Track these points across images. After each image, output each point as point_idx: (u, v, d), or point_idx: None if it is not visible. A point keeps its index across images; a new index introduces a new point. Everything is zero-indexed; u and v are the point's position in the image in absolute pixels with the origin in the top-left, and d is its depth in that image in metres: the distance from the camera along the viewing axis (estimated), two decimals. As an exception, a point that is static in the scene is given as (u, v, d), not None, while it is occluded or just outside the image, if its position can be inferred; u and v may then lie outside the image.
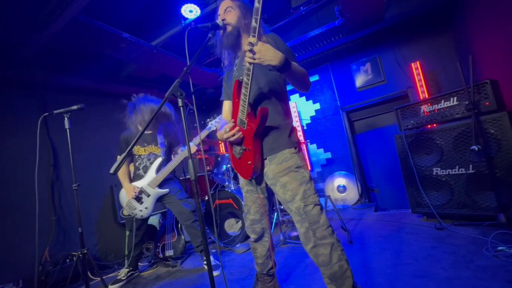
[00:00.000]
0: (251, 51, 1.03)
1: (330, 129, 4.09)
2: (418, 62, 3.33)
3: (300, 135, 4.17)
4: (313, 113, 4.24)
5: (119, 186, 3.13)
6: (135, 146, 2.39)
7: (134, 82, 3.64)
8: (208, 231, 2.94)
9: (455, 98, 2.18)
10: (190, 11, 2.59)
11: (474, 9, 2.53)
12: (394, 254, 1.91)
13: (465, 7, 2.70)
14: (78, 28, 2.24)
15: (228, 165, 3.02)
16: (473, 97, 2.01)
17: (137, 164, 2.42)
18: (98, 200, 3.16)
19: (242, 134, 1.26)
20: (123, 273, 2.42)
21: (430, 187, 2.33)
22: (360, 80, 3.80)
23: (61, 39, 2.33)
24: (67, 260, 2.55)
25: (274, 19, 3.11)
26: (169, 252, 2.65)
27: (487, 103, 1.99)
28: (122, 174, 2.36)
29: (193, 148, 2.42)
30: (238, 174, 1.42)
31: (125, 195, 2.36)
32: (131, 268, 2.46)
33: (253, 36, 1.05)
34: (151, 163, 2.38)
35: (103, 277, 1.95)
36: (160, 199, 2.39)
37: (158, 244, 2.72)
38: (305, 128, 4.30)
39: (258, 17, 1.03)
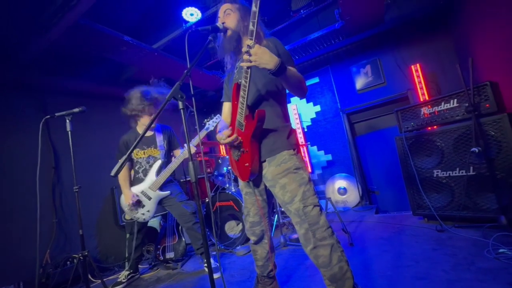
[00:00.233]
0: (247, 53, 1.05)
1: (330, 131, 4.09)
2: (418, 64, 3.34)
3: (300, 137, 4.17)
4: (314, 115, 4.24)
5: (119, 188, 3.14)
6: (134, 151, 2.38)
7: (135, 85, 3.64)
8: (208, 233, 2.94)
9: (455, 100, 2.19)
10: (191, 15, 2.61)
11: (473, 11, 2.54)
12: (395, 256, 1.90)
13: (465, 10, 2.71)
14: (79, 31, 2.26)
15: (229, 167, 3.02)
16: (473, 99, 2.01)
17: (136, 168, 2.42)
18: (98, 202, 3.17)
19: (240, 138, 1.27)
20: (123, 275, 2.41)
21: (430, 189, 2.33)
22: (360, 82, 3.80)
23: (62, 42, 2.34)
24: (68, 262, 2.55)
25: (274, 22, 3.13)
26: (170, 255, 2.64)
27: (487, 105, 2.00)
28: (122, 180, 2.36)
29: (192, 149, 2.43)
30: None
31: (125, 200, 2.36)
32: (131, 271, 2.46)
33: (251, 39, 1.06)
34: (151, 166, 2.38)
35: (104, 280, 1.95)
36: (160, 202, 2.39)
37: (159, 246, 2.72)
38: (305, 130, 4.30)
39: (256, 20, 1.04)
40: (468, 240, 1.92)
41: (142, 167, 2.40)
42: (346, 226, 2.49)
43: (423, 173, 2.35)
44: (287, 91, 1.38)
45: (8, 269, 2.35)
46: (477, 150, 1.96)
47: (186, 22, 2.66)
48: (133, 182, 2.42)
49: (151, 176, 2.34)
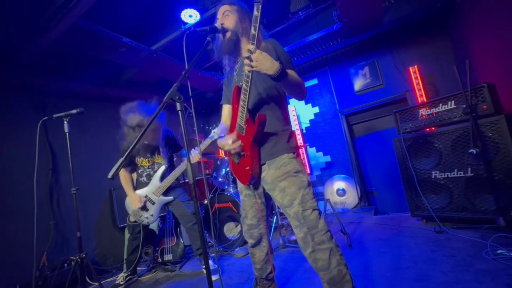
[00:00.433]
0: (249, 58, 1.04)
1: (329, 132, 4.10)
2: (416, 66, 3.36)
3: (299, 138, 4.18)
4: (312, 117, 4.25)
5: (118, 190, 3.13)
6: (138, 159, 2.41)
7: (134, 86, 3.65)
8: (207, 235, 2.93)
9: (453, 101, 2.20)
10: (190, 16, 2.62)
11: (471, 13, 2.56)
12: (394, 257, 1.90)
13: (462, 12, 2.73)
14: (79, 33, 2.26)
15: (228, 169, 3.02)
16: (471, 100, 2.02)
17: (139, 171, 2.42)
18: (97, 204, 3.15)
19: (241, 143, 1.26)
20: (121, 277, 2.40)
21: (429, 191, 2.33)
22: (358, 83, 3.82)
23: (62, 43, 2.34)
24: (65, 264, 2.53)
25: (273, 24, 3.14)
26: (168, 256, 2.63)
27: (484, 107, 2.00)
28: (125, 183, 2.36)
29: (196, 157, 2.38)
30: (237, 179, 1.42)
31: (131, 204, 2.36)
32: (129, 273, 2.45)
33: (252, 44, 1.06)
34: (155, 172, 2.38)
35: (102, 282, 1.93)
36: (164, 204, 2.39)
37: (157, 248, 2.70)
38: (304, 131, 4.31)
39: (257, 25, 1.04)
40: (466, 241, 1.92)
41: (146, 171, 2.40)
42: (345, 228, 2.49)
43: (422, 174, 2.36)
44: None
45: (4, 271, 2.33)
46: (475, 152, 1.96)
47: (185, 23, 2.67)
48: (136, 185, 2.42)
49: (155, 182, 2.34)
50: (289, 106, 4.22)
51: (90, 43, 2.46)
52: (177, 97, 1.05)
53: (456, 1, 2.76)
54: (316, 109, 4.22)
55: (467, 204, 2.10)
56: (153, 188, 2.33)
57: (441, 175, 2.24)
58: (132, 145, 1.01)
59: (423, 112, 2.38)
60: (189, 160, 1.06)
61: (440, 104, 2.27)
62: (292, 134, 1.36)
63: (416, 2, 2.90)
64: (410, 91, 3.41)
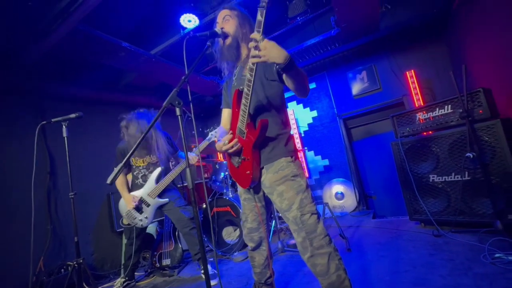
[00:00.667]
0: (256, 47, 1.01)
1: (327, 136, 4.12)
2: (412, 71, 3.40)
3: (297, 142, 4.19)
4: (311, 121, 4.27)
5: (116, 194, 3.12)
6: (132, 158, 2.40)
7: (133, 91, 3.66)
8: (205, 239, 2.91)
9: (450, 106, 2.22)
10: (189, 21, 2.64)
11: (466, 19, 2.60)
12: (393, 261, 1.90)
13: (458, 18, 2.77)
14: (78, 37, 2.27)
15: (226, 173, 3.02)
16: (467, 105, 2.05)
17: (135, 173, 2.41)
18: (94, 209, 3.13)
19: (241, 145, 1.27)
20: (119, 283, 2.38)
21: (427, 194, 2.34)
22: (356, 88, 3.85)
23: (61, 47, 2.35)
24: (62, 270, 2.50)
25: (271, 29, 3.17)
26: (166, 261, 2.61)
27: (480, 111, 2.03)
28: (120, 185, 2.35)
29: (194, 159, 2.41)
30: (236, 183, 1.42)
31: (125, 205, 2.34)
32: (127, 278, 2.43)
33: (258, 32, 1.02)
34: (150, 173, 2.38)
35: (99, 287, 1.91)
36: (159, 207, 2.38)
37: (155, 253, 2.69)
38: (302, 135, 4.32)
39: (261, 29, 1.04)
40: (464, 245, 1.92)
41: (141, 173, 2.39)
42: (343, 232, 2.49)
43: (419, 178, 2.37)
44: (286, 96, 1.39)
45: (0, 276, 2.30)
46: (471, 156, 1.98)
47: (184, 28, 2.69)
48: (132, 187, 2.41)
49: (151, 183, 2.33)
50: (287, 110, 4.27)
51: (90, 47, 2.47)
52: (176, 102, 1.05)
53: (452, 7, 2.80)
54: (315, 113, 4.24)
55: (464, 207, 2.11)
56: (148, 190, 2.32)
57: (439, 179, 2.25)
58: (130, 152, 1.01)
59: (420, 116, 2.40)
60: (188, 165, 1.06)
61: (437, 108, 2.30)
62: (290, 137, 1.36)
63: (413, 7, 2.94)
64: (407, 95, 3.44)
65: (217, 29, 1.33)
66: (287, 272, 2.07)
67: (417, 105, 3.28)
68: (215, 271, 2.30)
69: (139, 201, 2.31)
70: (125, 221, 2.39)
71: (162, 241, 2.72)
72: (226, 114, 1.55)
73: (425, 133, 2.40)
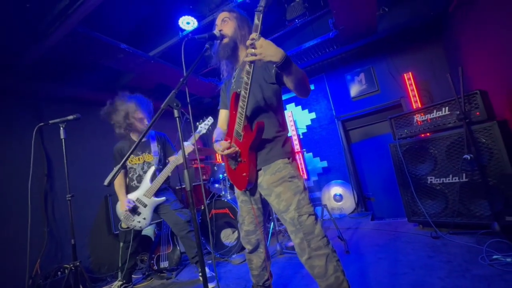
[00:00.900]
0: (252, 46, 1.02)
1: (326, 138, 4.12)
2: (410, 73, 3.41)
3: (296, 144, 4.19)
4: (309, 122, 4.28)
5: (113, 196, 3.10)
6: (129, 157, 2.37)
7: (132, 92, 3.64)
8: (203, 241, 2.90)
9: (447, 108, 2.23)
10: (188, 23, 2.64)
11: (462, 22, 2.62)
12: (391, 263, 1.90)
13: (454, 20, 2.80)
14: (77, 39, 2.26)
15: (225, 174, 3.01)
16: (464, 107, 2.06)
17: (130, 175, 2.40)
18: (92, 211, 3.11)
19: (238, 149, 1.27)
20: (116, 286, 2.36)
21: (425, 196, 2.35)
22: (354, 89, 3.86)
23: (60, 49, 2.34)
24: (59, 272, 2.48)
25: (269, 31, 3.18)
26: (164, 264, 2.60)
27: (477, 113, 2.04)
28: (118, 186, 2.33)
29: (190, 148, 2.34)
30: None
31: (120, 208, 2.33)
32: (124, 281, 2.40)
33: (255, 33, 1.04)
34: (145, 173, 2.36)
35: (96, 290, 1.90)
36: (156, 210, 2.36)
37: (153, 255, 2.67)
38: (301, 137, 4.33)
39: (258, 33, 1.05)
40: (462, 246, 1.93)
41: (136, 173, 2.38)
42: (342, 233, 2.49)
43: (417, 179, 2.37)
44: (284, 97, 1.39)
45: (-4, 280, 2.28)
46: (469, 157, 1.99)
47: (183, 30, 2.69)
48: (128, 189, 2.39)
49: (146, 183, 2.32)
50: (285, 111, 4.28)
51: (88, 49, 2.46)
52: (174, 104, 1.05)
53: (449, 9, 2.83)
54: (313, 115, 4.25)
55: (462, 209, 2.12)
56: (144, 190, 2.30)
57: (437, 181, 2.26)
58: (128, 153, 1.01)
59: (418, 118, 2.41)
60: (186, 167, 1.06)
61: (435, 110, 2.31)
62: (287, 139, 1.36)
63: (410, 10, 2.97)
64: (405, 97, 3.46)
65: (216, 31, 1.34)
66: (286, 274, 2.06)
67: (414, 107, 3.30)
68: (213, 274, 2.29)
69: (134, 205, 2.28)
70: (124, 225, 2.37)
71: (160, 244, 2.70)
72: (223, 115, 1.55)
73: (422, 135, 2.41)
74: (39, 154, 2.80)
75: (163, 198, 2.32)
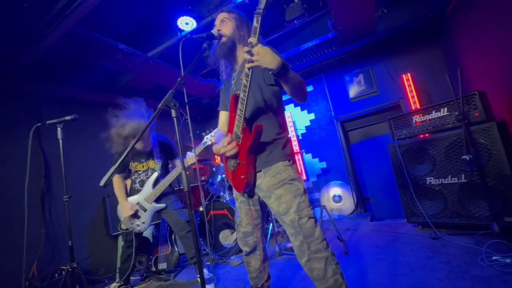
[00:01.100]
0: (249, 52, 1.02)
1: (325, 138, 4.12)
2: (409, 74, 3.42)
3: (295, 144, 4.19)
4: (308, 123, 4.28)
5: (111, 197, 3.08)
6: (132, 164, 2.39)
7: (130, 93, 3.62)
8: (202, 242, 2.89)
9: (446, 108, 2.23)
10: (186, 24, 2.64)
11: (460, 23, 2.63)
12: (390, 264, 1.89)
13: (453, 22, 2.81)
14: (75, 39, 2.25)
15: (223, 175, 3.00)
16: (463, 108, 2.06)
17: (133, 178, 2.40)
18: (90, 212, 3.09)
19: (238, 149, 1.26)
20: (114, 287, 2.34)
21: (424, 197, 2.34)
22: (353, 90, 3.87)
23: (58, 49, 2.33)
24: (56, 274, 2.46)
25: (268, 32, 3.18)
26: (162, 265, 2.58)
27: (476, 114, 2.04)
28: (118, 190, 2.32)
29: (192, 159, 2.34)
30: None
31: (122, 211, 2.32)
32: (122, 283, 2.39)
33: (254, 37, 1.04)
34: (148, 178, 2.36)
35: (93, 292, 1.88)
36: (157, 211, 2.36)
37: (151, 256, 2.65)
38: (300, 138, 4.32)
39: (257, 35, 1.04)
40: (462, 247, 1.92)
41: (140, 178, 2.38)
42: (341, 234, 2.48)
43: (416, 180, 2.37)
44: (283, 98, 1.39)
45: (-8, 282, 2.26)
46: (468, 158, 1.99)
47: (181, 31, 2.69)
48: (130, 192, 2.39)
49: (148, 188, 2.31)
50: (285, 113, 4.28)
51: (86, 49, 2.45)
52: (172, 104, 1.04)
53: (446, 11, 2.83)
54: (312, 116, 4.25)
55: (461, 210, 2.12)
56: (145, 195, 2.30)
57: (436, 181, 2.26)
58: (124, 154, 1.00)
59: (416, 119, 2.41)
60: (184, 168, 1.05)
61: (433, 111, 2.31)
62: (287, 141, 1.35)
63: (408, 12, 2.97)
64: (404, 98, 3.46)
65: (214, 31, 1.33)
66: (284, 276, 2.05)
67: (413, 108, 3.30)
68: (212, 275, 2.27)
69: (136, 206, 2.28)
70: (123, 226, 2.37)
71: (158, 245, 2.68)
72: (223, 116, 1.54)
73: (421, 136, 2.41)
74: (36, 155, 2.78)
75: (163, 205, 2.33)
